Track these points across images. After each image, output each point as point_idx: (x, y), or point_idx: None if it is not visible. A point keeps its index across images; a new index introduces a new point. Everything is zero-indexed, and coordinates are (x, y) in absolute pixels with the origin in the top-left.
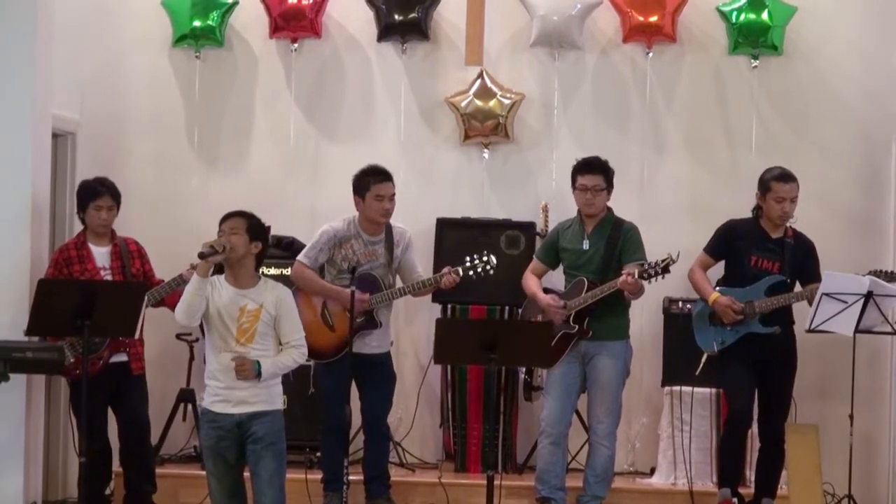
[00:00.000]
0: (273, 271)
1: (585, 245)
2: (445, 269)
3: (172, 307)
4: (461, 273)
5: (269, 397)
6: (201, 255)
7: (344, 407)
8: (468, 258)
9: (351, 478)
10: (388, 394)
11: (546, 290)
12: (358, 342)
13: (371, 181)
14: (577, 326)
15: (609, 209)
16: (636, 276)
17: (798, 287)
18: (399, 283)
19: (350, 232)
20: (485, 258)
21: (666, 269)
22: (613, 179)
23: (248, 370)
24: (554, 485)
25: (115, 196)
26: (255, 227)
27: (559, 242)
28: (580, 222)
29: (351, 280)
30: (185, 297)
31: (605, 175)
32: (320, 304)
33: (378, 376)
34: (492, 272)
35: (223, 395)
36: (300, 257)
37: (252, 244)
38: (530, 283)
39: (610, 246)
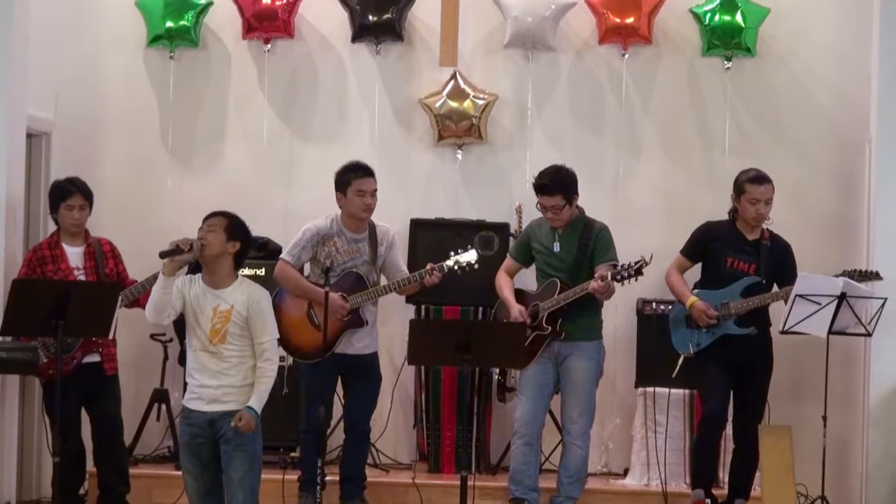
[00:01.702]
0: (247, 272)
1: (556, 247)
2: (429, 266)
3: None
4: (445, 269)
5: (242, 396)
6: (161, 254)
7: (318, 408)
8: (452, 253)
9: (327, 478)
10: (374, 395)
11: (519, 291)
12: (344, 342)
13: (352, 177)
14: (550, 328)
15: (580, 209)
16: (609, 278)
17: (775, 289)
18: (384, 282)
19: (333, 229)
20: (469, 250)
21: (639, 272)
22: (577, 187)
23: (250, 422)
24: (527, 485)
25: (87, 195)
26: (233, 227)
27: (531, 241)
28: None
29: (325, 280)
30: (151, 296)
31: (564, 192)
32: (306, 304)
33: (365, 377)
34: (476, 266)
35: (198, 393)
36: (283, 255)
37: (229, 243)
38: (503, 285)
39: (581, 247)
